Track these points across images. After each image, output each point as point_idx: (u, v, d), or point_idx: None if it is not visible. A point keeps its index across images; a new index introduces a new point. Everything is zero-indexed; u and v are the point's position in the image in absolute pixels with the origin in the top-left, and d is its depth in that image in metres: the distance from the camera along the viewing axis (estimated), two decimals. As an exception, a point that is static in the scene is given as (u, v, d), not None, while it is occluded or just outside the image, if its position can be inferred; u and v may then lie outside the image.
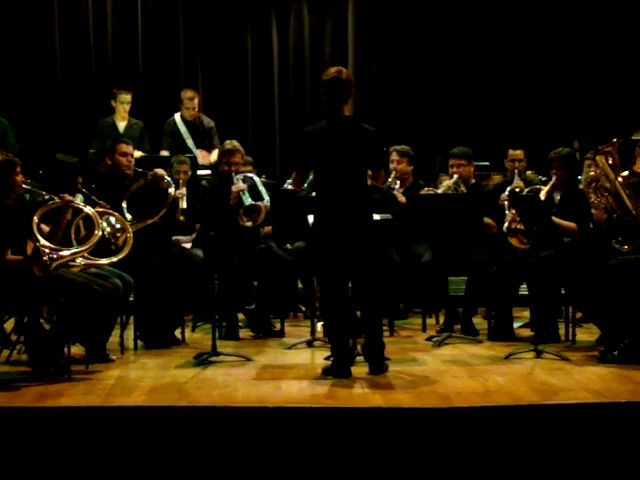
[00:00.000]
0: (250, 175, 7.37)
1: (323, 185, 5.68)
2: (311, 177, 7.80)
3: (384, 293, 6.07)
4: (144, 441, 4.60)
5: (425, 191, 7.39)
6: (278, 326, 7.27)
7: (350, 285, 5.83)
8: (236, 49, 10.86)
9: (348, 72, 5.75)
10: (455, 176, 7.25)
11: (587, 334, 6.90)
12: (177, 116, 9.27)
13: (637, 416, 4.70)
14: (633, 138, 7.76)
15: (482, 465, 4.59)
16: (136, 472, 4.58)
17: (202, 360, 6.03)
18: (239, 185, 7.11)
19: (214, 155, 8.83)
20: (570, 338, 6.76)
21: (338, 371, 5.58)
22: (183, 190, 7.03)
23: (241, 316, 7.52)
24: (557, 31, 10.75)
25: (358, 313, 5.95)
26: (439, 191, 7.26)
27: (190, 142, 9.14)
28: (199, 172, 8.34)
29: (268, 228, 7.31)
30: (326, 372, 5.64)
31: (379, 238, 6.01)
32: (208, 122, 9.32)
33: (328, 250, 5.63)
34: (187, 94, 9.26)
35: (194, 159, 8.54)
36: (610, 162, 6.48)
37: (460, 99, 10.70)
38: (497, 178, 8.59)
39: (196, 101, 9.23)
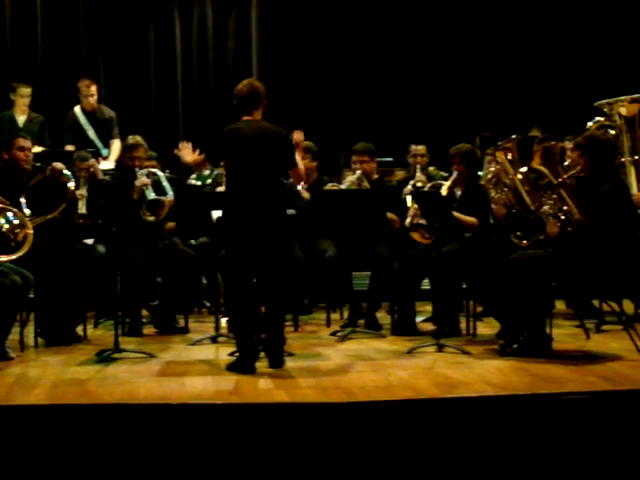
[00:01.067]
0: (154, 170, 7.33)
1: (237, 184, 5.69)
2: (216, 172, 7.82)
3: (289, 289, 6.09)
4: (45, 440, 4.52)
5: (329, 187, 7.42)
6: (182, 322, 7.23)
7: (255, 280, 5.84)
8: (139, 43, 10.73)
9: (260, 84, 5.87)
10: (358, 172, 7.30)
11: (487, 328, 7.02)
12: (77, 108, 9.13)
13: (536, 408, 4.81)
14: (531, 135, 7.92)
15: (384, 459, 4.63)
16: (36, 471, 4.50)
17: (104, 357, 5.96)
18: (142, 180, 7.07)
19: (115, 147, 8.73)
20: (471, 332, 6.88)
21: (243, 367, 5.58)
22: (83, 191, 6.89)
23: (145, 312, 7.45)
24: (457, 30, 10.89)
25: (262, 309, 5.95)
26: (343, 187, 7.30)
27: (91, 133, 9.01)
28: (101, 167, 8.22)
29: (172, 224, 7.26)
30: (230, 368, 5.64)
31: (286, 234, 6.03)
32: (108, 112, 9.19)
33: (240, 246, 5.65)
34: (84, 82, 9.12)
35: (96, 154, 8.41)
36: (509, 158, 6.63)
37: (363, 95, 10.76)
38: (400, 174, 8.67)
39: (93, 88, 9.07)
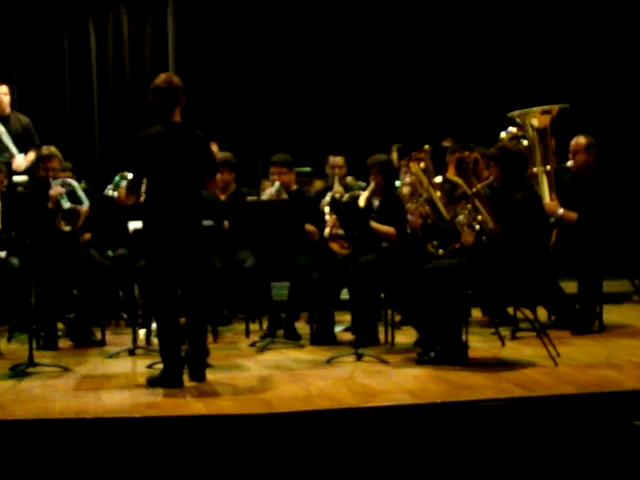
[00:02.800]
0: (69, 181, 7.24)
1: (157, 190, 5.60)
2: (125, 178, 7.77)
3: (210, 300, 6.05)
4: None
5: (249, 199, 7.41)
6: (99, 335, 7.14)
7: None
8: (53, 53, 10.56)
9: (178, 78, 5.73)
10: (277, 183, 7.31)
11: (406, 337, 7.04)
12: None
13: (453, 416, 4.87)
14: (443, 145, 8.03)
15: (303, 470, 4.64)
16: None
17: (18, 371, 5.86)
18: (57, 189, 7.00)
19: (30, 155, 8.53)
20: (389, 341, 6.92)
21: (170, 380, 5.50)
22: None
23: (60, 325, 7.34)
24: (370, 41, 10.95)
25: (182, 320, 5.91)
26: (262, 198, 7.31)
27: (6, 137, 8.76)
28: (15, 178, 8.07)
29: (87, 235, 7.18)
30: (153, 382, 5.55)
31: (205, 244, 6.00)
32: (24, 119, 8.98)
33: (162, 257, 5.58)
34: None
35: (9, 165, 8.23)
36: (423, 168, 6.71)
37: (281, 105, 10.78)
38: (319, 184, 8.71)
39: (4, 89, 8.77)
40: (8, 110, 8.82)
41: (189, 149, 5.63)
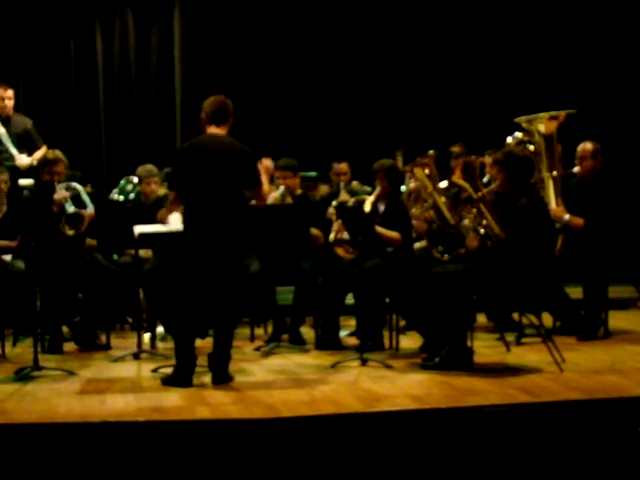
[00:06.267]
0: (73, 184, 7.25)
1: (197, 200, 5.73)
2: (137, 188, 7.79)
3: (239, 305, 6.08)
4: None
5: (254, 202, 7.40)
6: (104, 338, 7.14)
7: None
8: (59, 57, 10.56)
9: (230, 102, 6.00)
10: (281, 187, 7.31)
11: (410, 341, 7.04)
12: None
13: (457, 421, 4.85)
14: (452, 150, 8.02)
15: (308, 475, 4.63)
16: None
17: (23, 375, 5.87)
18: (62, 193, 7.02)
19: (39, 153, 8.46)
20: (394, 346, 6.91)
21: (181, 379, 5.60)
22: (3, 207, 6.79)
23: (65, 329, 7.34)
24: (375, 45, 10.95)
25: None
26: (266, 202, 7.30)
27: (5, 138, 8.69)
28: (21, 182, 8.05)
29: (93, 241, 7.18)
30: (166, 382, 5.65)
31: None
32: (26, 120, 8.88)
33: (199, 262, 5.68)
34: None
35: (13, 169, 8.21)
36: (427, 173, 6.70)
37: (286, 110, 10.78)
38: (324, 188, 8.70)
39: (9, 93, 8.75)
40: (11, 112, 8.78)
41: (229, 160, 5.75)
